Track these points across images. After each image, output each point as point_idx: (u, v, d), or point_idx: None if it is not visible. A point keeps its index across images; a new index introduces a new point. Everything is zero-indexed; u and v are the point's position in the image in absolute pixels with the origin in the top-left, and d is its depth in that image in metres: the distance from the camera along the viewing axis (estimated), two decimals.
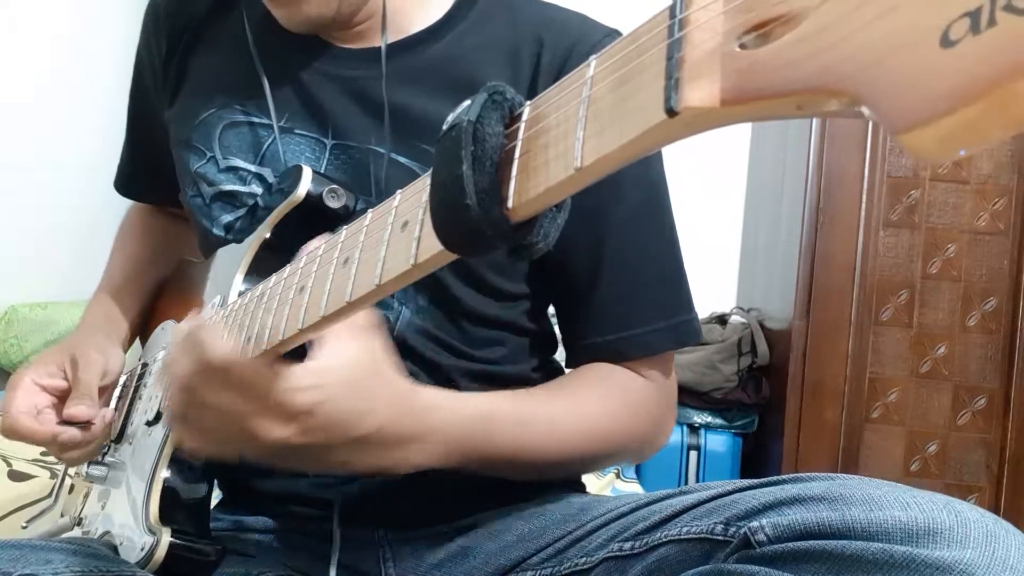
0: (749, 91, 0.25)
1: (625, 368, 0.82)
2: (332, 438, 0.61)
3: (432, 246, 0.42)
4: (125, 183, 1.05)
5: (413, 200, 0.47)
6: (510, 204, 0.37)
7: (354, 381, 0.61)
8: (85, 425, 0.82)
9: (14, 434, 0.81)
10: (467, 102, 0.39)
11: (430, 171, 0.43)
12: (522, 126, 0.37)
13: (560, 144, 0.34)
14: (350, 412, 0.61)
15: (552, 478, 0.84)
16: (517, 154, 0.37)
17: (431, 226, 0.41)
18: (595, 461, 0.85)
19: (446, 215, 0.39)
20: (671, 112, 0.27)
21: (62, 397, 0.84)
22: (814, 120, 2.08)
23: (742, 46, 0.26)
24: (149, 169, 1.01)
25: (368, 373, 0.62)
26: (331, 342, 0.61)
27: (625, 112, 0.30)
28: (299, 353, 0.61)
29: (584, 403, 0.80)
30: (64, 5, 2.39)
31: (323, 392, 0.59)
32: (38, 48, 2.30)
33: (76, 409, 0.81)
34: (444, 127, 0.40)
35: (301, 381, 0.59)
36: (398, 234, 0.48)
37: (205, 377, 0.59)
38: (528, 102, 0.38)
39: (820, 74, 0.23)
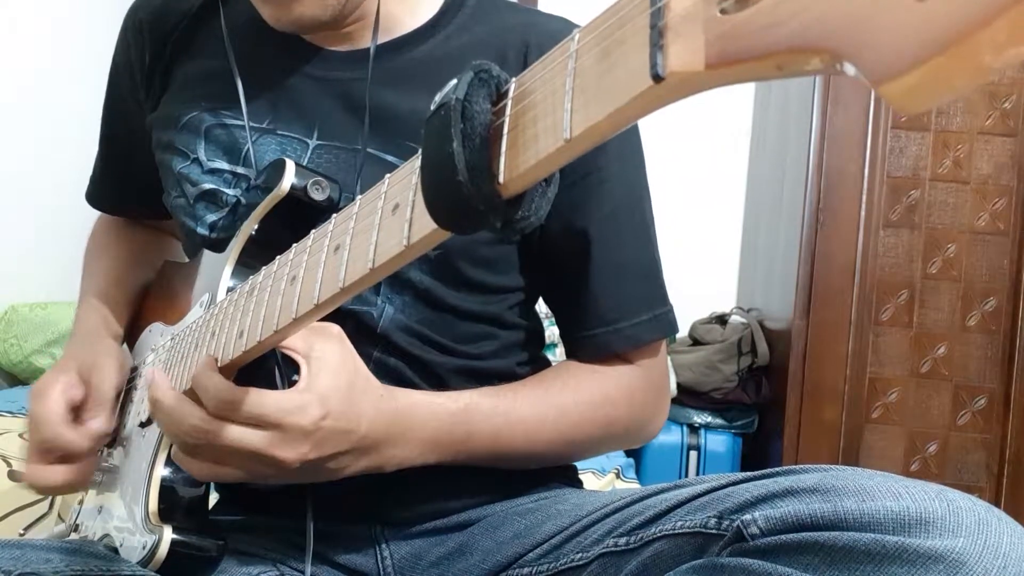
0: (732, 54, 0.25)
1: (612, 358, 0.84)
2: (338, 446, 0.66)
3: (425, 226, 0.42)
4: (98, 196, 1.05)
5: (403, 183, 0.47)
6: (501, 179, 0.37)
7: (343, 387, 0.66)
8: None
9: (53, 443, 0.79)
10: (453, 81, 0.40)
11: (419, 153, 0.43)
12: (509, 102, 0.37)
13: (549, 117, 0.34)
14: (347, 417, 0.66)
15: (544, 464, 0.85)
16: (505, 130, 0.37)
17: (423, 206, 0.42)
18: (584, 448, 0.86)
19: (438, 193, 0.39)
20: (657, 78, 0.27)
21: (77, 408, 0.82)
22: (814, 120, 2.08)
23: (723, 11, 0.26)
24: (122, 182, 1.01)
25: (351, 378, 0.67)
26: (315, 355, 0.66)
27: (612, 81, 0.30)
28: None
29: (566, 394, 0.81)
30: (64, 5, 2.39)
31: (323, 405, 0.65)
32: (37, 48, 2.31)
33: (95, 424, 0.80)
34: (432, 107, 0.40)
35: (302, 400, 0.64)
36: (389, 217, 0.48)
37: (220, 417, 0.64)
38: (513, 79, 0.38)
39: (800, 33, 0.23)
